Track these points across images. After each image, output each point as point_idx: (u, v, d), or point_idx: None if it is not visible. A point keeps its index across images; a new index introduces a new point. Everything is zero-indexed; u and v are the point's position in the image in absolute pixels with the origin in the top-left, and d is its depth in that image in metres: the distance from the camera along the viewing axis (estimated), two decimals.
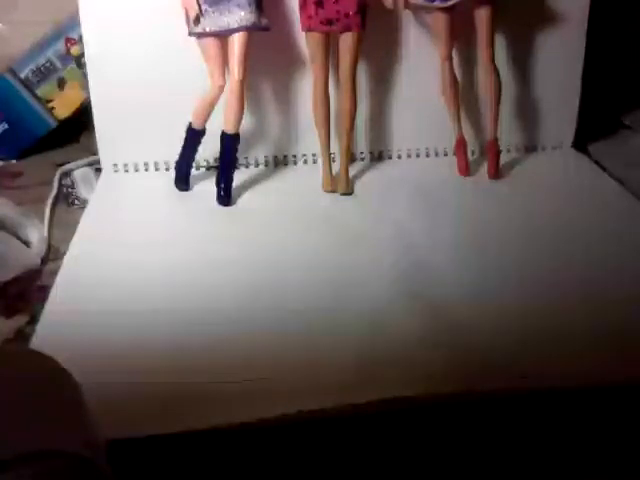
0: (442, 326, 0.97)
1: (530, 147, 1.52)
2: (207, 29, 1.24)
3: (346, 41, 1.30)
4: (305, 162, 1.46)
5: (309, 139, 1.40)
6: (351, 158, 1.42)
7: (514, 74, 1.46)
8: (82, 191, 1.38)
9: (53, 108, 1.52)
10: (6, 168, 1.49)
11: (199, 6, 1.23)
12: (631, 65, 1.62)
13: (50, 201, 1.33)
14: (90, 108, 1.39)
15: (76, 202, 1.35)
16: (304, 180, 1.40)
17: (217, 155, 1.33)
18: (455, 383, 0.86)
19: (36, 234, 1.20)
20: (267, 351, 0.92)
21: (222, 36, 1.25)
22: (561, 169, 1.47)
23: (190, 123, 1.32)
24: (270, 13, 1.29)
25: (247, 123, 1.36)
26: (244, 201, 1.33)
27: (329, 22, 1.29)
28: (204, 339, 0.94)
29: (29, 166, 1.49)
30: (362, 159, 1.48)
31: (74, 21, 1.40)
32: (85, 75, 1.40)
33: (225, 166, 1.32)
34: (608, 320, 0.98)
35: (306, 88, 1.37)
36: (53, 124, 1.53)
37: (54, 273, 1.10)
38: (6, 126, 1.51)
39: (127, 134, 1.39)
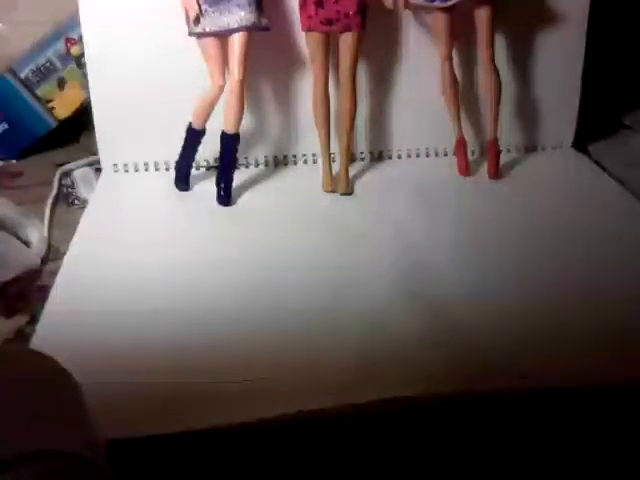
0: (442, 326, 0.97)
1: (530, 147, 1.52)
2: (207, 29, 1.24)
3: (346, 41, 1.30)
4: (305, 162, 1.46)
5: (309, 139, 1.40)
6: (351, 158, 1.42)
7: (514, 74, 1.46)
8: (82, 191, 1.38)
9: (53, 108, 1.52)
10: (6, 168, 1.49)
11: (199, 6, 1.23)
12: (631, 65, 1.62)
13: (50, 201, 1.33)
14: (90, 108, 1.39)
15: (76, 202, 1.35)
16: (304, 180, 1.40)
17: (217, 155, 1.33)
18: (455, 383, 0.86)
19: (36, 234, 1.20)
20: (267, 351, 0.92)
21: (222, 36, 1.25)
22: (561, 169, 1.47)
23: (190, 123, 1.32)
24: (270, 13, 1.29)
25: (247, 123, 1.36)
26: (244, 201, 1.33)
27: (329, 22, 1.29)
28: (204, 339, 0.94)
29: (29, 166, 1.49)
30: (362, 159, 1.48)
31: (74, 21, 1.40)
32: (85, 75, 1.40)
33: (225, 166, 1.32)
34: (608, 320, 0.98)
35: (306, 88, 1.37)
36: (53, 124, 1.53)
37: (54, 273, 1.10)
38: (6, 126, 1.51)
39: (127, 134, 1.39)
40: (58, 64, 1.51)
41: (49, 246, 1.20)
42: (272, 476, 0.81)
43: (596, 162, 1.46)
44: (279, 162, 1.46)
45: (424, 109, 1.43)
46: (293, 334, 0.96)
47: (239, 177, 1.35)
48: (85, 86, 1.42)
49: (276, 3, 1.33)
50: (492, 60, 1.37)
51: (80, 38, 1.39)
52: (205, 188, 1.35)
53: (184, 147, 1.34)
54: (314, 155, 1.44)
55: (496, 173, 1.40)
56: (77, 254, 1.15)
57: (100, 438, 0.57)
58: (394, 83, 1.43)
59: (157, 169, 1.43)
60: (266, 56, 1.33)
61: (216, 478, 0.81)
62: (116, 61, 1.35)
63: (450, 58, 1.37)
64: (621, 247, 1.16)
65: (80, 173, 1.43)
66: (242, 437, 0.80)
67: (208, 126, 1.31)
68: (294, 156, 1.46)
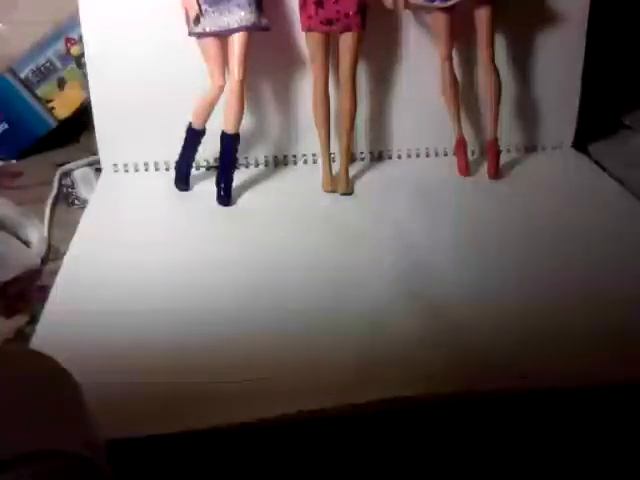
0: (442, 326, 0.97)
1: (530, 147, 1.52)
2: (207, 29, 1.24)
3: (346, 41, 1.30)
4: (305, 162, 1.46)
5: (309, 139, 1.40)
6: (351, 158, 1.42)
7: (514, 74, 1.46)
8: (82, 191, 1.38)
9: (53, 108, 1.52)
10: (6, 168, 1.49)
11: (199, 6, 1.23)
12: (631, 65, 1.62)
13: (50, 201, 1.33)
14: (90, 108, 1.39)
15: (76, 202, 1.35)
16: (304, 180, 1.40)
17: (217, 155, 1.33)
18: (455, 383, 0.86)
19: (36, 234, 1.20)
20: (267, 351, 0.92)
21: (222, 36, 1.25)
22: (561, 169, 1.47)
23: (190, 123, 1.32)
24: (270, 13, 1.29)
25: (247, 123, 1.36)
26: (244, 201, 1.33)
27: (329, 22, 1.29)
28: (204, 339, 0.94)
29: (29, 166, 1.49)
30: (362, 159, 1.48)
31: (74, 21, 1.40)
32: (85, 75, 1.40)
33: (225, 166, 1.32)
34: (608, 320, 0.98)
35: (306, 88, 1.37)
36: (53, 124, 1.53)
37: (54, 273, 1.10)
38: (6, 126, 1.51)
39: (127, 134, 1.39)
40: (58, 64, 1.51)
41: (49, 246, 1.20)
42: (272, 476, 0.81)
43: (596, 162, 1.46)
44: (279, 162, 1.46)
45: (424, 109, 1.43)
46: (293, 334, 0.96)
47: (239, 177, 1.35)
48: (85, 86, 1.42)
49: (276, 3, 1.33)
50: (492, 60, 1.37)
51: (80, 38, 1.39)
52: (205, 188, 1.35)
53: (184, 147, 1.34)
54: (314, 155, 1.44)
55: (496, 173, 1.40)
56: (77, 254, 1.15)
57: (100, 438, 0.57)
58: (394, 83, 1.43)
59: (157, 169, 1.43)
60: (266, 56, 1.33)
61: (216, 478, 0.81)
62: (116, 61, 1.35)
63: (450, 58, 1.37)
64: (621, 247, 1.16)
65: (80, 173, 1.43)
66: (242, 437, 0.80)
67: (208, 126, 1.31)
68: (294, 156, 1.46)
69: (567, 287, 1.06)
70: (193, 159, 1.37)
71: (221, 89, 1.27)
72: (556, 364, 0.89)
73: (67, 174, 1.43)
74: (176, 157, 1.36)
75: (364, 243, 1.17)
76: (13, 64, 1.49)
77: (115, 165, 1.42)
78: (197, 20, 1.24)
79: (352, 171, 1.39)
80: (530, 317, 0.98)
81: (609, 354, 0.91)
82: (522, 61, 1.46)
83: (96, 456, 0.54)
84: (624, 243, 1.17)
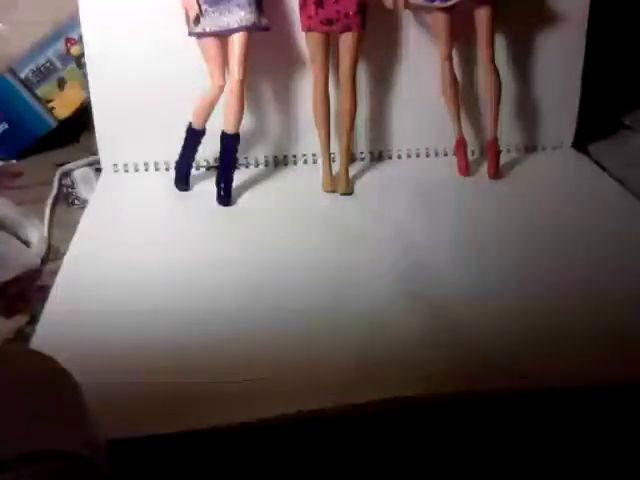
0: (442, 326, 0.97)
1: (530, 147, 1.52)
2: (207, 29, 1.24)
3: (346, 41, 1.30)
4: (305, 162, 1.46)
5: (309, 139, 1.40)
6: (351, 158, 1.42)
7: (514, 74, 1.46)
8: (82, 191, 1.38)
9: (53, 108, 1.52)
10: (6, 168, 1.49)
11: (199, 6, 1.23)
12: (631, 65, 1.62)
13: (50, 201, 1.33)
14: (90, 108, 1.39)
15: (76, 202, 1.35)
16: (304, 180, 1.40)
17: (217, 155, 1.33)
18: (455, 383, 0.86)
19: (36, 234, 1.20)
20: (267, 351, 0.92)
21: (222, 36, 1.25)
22: (561, 169, 1.47)
23: (190, 123, 1.32)
24: (270, 13, 1.29)
25: (247, 123, 1.36)
26: (244, 201, 1.33)
27: (329, 22, 1.29)
28: (204, 339, 0.94)
29: (29, 166, 1.49)
30: (362, 159, 1.48)
31: (74, 21, 1.40)
32: (85, 75, 1.40)
33: (225, 166, 1.32)
34: (608, 320, 0.98)
35: (306, 88, 1.37)
36: (53, 124, 1.53)
37: (54, 273, 1.10)
38: (6, 126, 1.51)
39: (127, 134, 1.39)
40: (58, 64, 1.51)
41: (49, 246, 1.20)
42: (272, 476, 0.81)
43: (596, 162, 1.46)
44: (279, 162, 1.46)
45: (424, 109, 1.43)
46: (293, 334, 0.96)
47: (239, 177, 1.35)
48: (85, 86, 1.42)
49: (276, 3, 1.33)
50: (492, 60, 1.37)
51: (80, 38, 1.39)
52: (205, 188, 1.35)
53: (184, 147, 1.34)
54: (314, 155, 1.44)
55: (496, 173, 1.40)
56: (77, 254, 1.15)
57: (100, 438, 0.57)
58: (394, 83, 1.43)
59: (157, 169, 1.43)
60: (266, 56, 1.33)
61: (216, 478, 0.81)
62: (116, 61, 1.35)
63: (450, 58, 1.37)
64: (621, 247, 1.16)
65: (80, 173, 1.43)
66: (242, 437, 0.80)
67: (208, 126, 1.31)
68: (294, 156, 1.46)
69: (567, 287, 1.06)
70: (193, 159, 1.37)
71: (221, 89, 1.27)
72: (556, 364, 0.89)
73: (67, 174, 1.43)
74: (176, 157, 1.36)
75: (364, 243, 1.17)
76: (13, 64, 1.49)
77: (115, 165, 1.42)
78: (197, 20, 1.24)
79: (352, 171, 1.39)
80: (530, 317, 0.98)
81: (609, 354, 0.91)
82: (522, 61, 1.46)
83: (96, 456, 0.54)
84: (624, 243, 1.17)
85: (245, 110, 1.29)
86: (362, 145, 1.47)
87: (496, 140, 1.41)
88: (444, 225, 1.23)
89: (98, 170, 1.43)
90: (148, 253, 1.14)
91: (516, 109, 1.48)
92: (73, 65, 1.51)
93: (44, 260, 1.16)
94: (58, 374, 0.58)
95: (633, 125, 1.57)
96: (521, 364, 0.89)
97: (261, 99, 1.41)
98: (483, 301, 1.02)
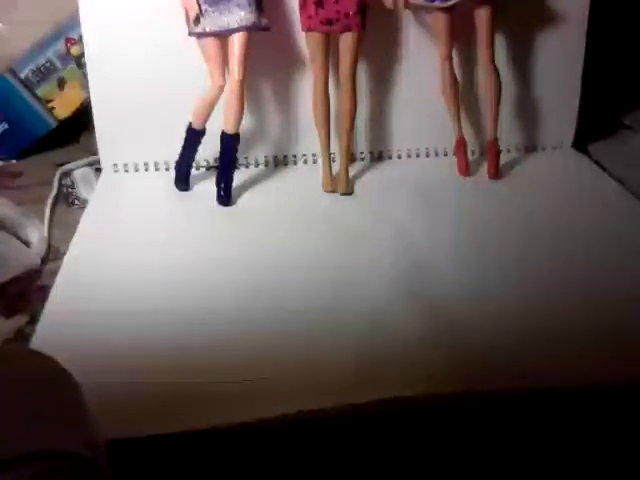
0: (442, 326, 0.97)
1: (530, 147, 1.52)
2: (207, 29, 1.24)
3: (346, 41, 1.30)
4: (305, 162, 1.46)
5: (309, 139, 1.40)
6: (351, 158, 1.42)
7: (514, 74, 1.46)
8: (82, 191, 1.38)
9: (53, 108, 1.52)
10: (6, 168, 1.49)
11: (199, 6, 1.23)
12: (631, 65, 1.62)
13: (50, 201, 1.33)
14: (90, 108, 1.39)
15: (76, 202, 1.35)
16: (304, 180, 1.40)
17: (217, 155, 1.33)
18: (455, 383, 0.86)
19: (36, 234, 1.20)
20: (267, 351, 0.92)
21: (222, 36, 1.25)
22: (561, 169, 1.47)
23: (190, 123, 1.32)
24: (270, 13, 1.29)
25: (247, 123, 1.36)
26: (244, 201, 1.33)
27: (329, 22, 1.29)
28: (204, 339, 0.94)
29: (29, 166, 1.49)
30: (362, 159, 1.48)
31: (74, 21, 1.40)
32: (85, 75, 1.40)
33: (225, 166, 1.32)
34: (608, 320, 0.98)
35: (306, 88, 1.37)
36: (53, 124, 1.53)
37: (54, 273, 1.10)
38: (6, 126, 1.51)
39: (127, 134, 1.39)
40: (58, 64, 1.51)
41: (49, 246, 1.20)
42: (272, 476, 0.81)
43: (596, 162, 1.46)
44: (279, 162, 1.46)
45: (424, 109, 1.43)
46: (293, 334, 0.96)
47: (239, 177, 1.35)
48: (85, 86, 1.42)
49: (276, 3, 1.33)
50: (492, 60, 1.37)
51: (80, 38, 1.39)
52: (205, 188, 1.35)
53: (184, 147, 1.34)
54: (314, 155, 1.44)
55: (496, 173, 1.40)
56: (77, 254, 1.15)
57: (100, 438, 0.57)
58: (394, 83, 1.43)
59: (157, 169, 1.43)
60: (266, 56, 1.33)
61: (216, 478, 0.81)
62: (116, 61, 1.35)
63: (450, 58, 1.37)
64: (621, 247, 1.16)
65: (80, 173, 1.43)
66: (242, 437, 0.80)
67: (208, 126, 1.31)
68: (294, 156, 1.46)
69: (567, 287, 1.06)
70: (193, 159, 1.37)
71: (221, 89, 1.27)
72: (556, 364, 0.89)
73: (67, 174, 1.43)
74: (176, 157, 1.36)
75: (364, 243, 1.17)
76: (13, 64, 1.49)
77: (115, 165, 1.42)
78: (197, 20, 1.24)
79: (352, 171, 1.39)
80: (530, 317, 0.98)
81: (609, 354, 0.91)
82: (522, 61, 1.46)
83: (96, 456, 0.54)
84: (624, 243, 1.17)
85: (245, 110, 1.29)
86: (362, 145, 1.47)
87: (496, 140, 1.41)
88: (444, 225, 1.23)
89: (98, 170, 1.43)
90: (148, 253, 1.14)
91: (516, 109, 1.48)
92: (73, 65, 1.51)
93: (44, 260, 1.15)
94: (58, 374, 0.58)
95: (633, 125, 1.57)
96: (521, 364, 0.89)
97: (261, 99, 1.41)
98: (483, 301, 1.02)
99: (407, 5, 1.34)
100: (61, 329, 0.97)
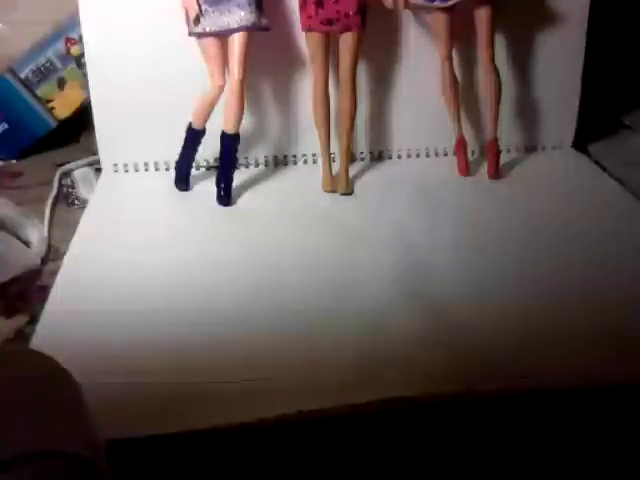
0: (442, 326, 0.97)
1: (530, 147, 1.52)
2: (207, 29, 1.24)
3: (346, 41, 1.30)
4: (305, 162, 1.46)
5: (309, 139, 1.40)
6: (351, 158, 1.42)
7: (514, 74, 1.46)
8: (82, 191, 1.38)
9: (53, 108, 1.52)
10: (6, 168, 1.49)
11: (199, 6, 1.23)
12: (631, 65, 1.62)
13: (50, 201, 1.33)
14: (90, 108, 1.39)
15: (76, 202, 1.35)
16: (304, 180, 1.40)
17: (217, 155, 1.33)
18: (455, 383, 0.86)
19: (36, 234, 1.20)
20: (267, 351, 0.92)
21: (222, 36, 1.25)
22: (561, 169, 1.47)
23: (190, 123, 1.32)
24: (270, 13, 1.29)
25: (247, 123, 1.36)
26: (244, 201, 1.33)
27: (329, 22, 1.29)
28: (204, 339, 0.94)
29: (29, 166, 1.49)
30: (362, 159, 1.48)
31: (74, 21, 1.40)
32: (85, 75, 1.40)
33: (225, 166, 1.32)
34: (608, 320, 0.98)
35: (306, 88, 1.37)
36: (53, 124, 1.53)
37: (54, 273, 1.10)
38: (6, 126, 1.51)
39: (127, 134, 1.39)
40: (58, 64, 1.51)
41: (49, 246, 1.20)
42: (272, 476, 0.81)
43: (596, 162, 1.46)
44: (279, 162, 1.46)
45: (424, 109, 1.43)
46: (293, 334, 0.96)
47: (239, 177, 1.35)
48: (85, 86, 1.42)
49: (276, 3, 1.33)
50: (492, 60, 1.37)
51: (80, 38, 1.39)
52: (205, 188, 1.35)
53: (184, 147, 1.34)
54: (314, 155, 1.44)
55: (496, 173, 1.40)
56: (77, 254, 1.15)
57: (100, 438, 0.57)
58: (394, 83, 1.43)
59: (157, 169, 1.43)
60: (266, 56, 1.33)
61: (216, 478, 0.81)
62: (116, 61, 1.35)
63: (450, 58, 1.37)
64: (621, 247, 1.16)
65: (80, 173, 1.43)
66: (242, 437, 0.80)
67: (208, 126, 1.31)
68: (294, 156, 1.46)
69: (567, 287, 1.06)
70: (193, 159, 1.37)
71: (221, 89, 1.27)
72: (556, 364, 0.89)
73: (67, 174, 1.43)
74: (176, 157, 1.36)
75: (364, 243, 1.17)
76: (13, 64, 1.49)
77: (115, 165, 1.42)
78: (197, 20, 1.24)
79: (352, 171, 1.39)
80: (530, 317, 0.98)
81: (609, 354, 0.91)
82: (522, 61, 1.46)
83: (96, 456, 0.54)
84: (624, 243, 1.17)
85: (245, 110, 1.29)
86: (362, 145, 1.47)
87: (496, 140, 1.41)
88: (444, 225, 1.23)
89: (98, 170, 1.43)
90: (148, 253, 1.14)
91: (516, 109, 1.48)
92: (73, 65, 1.51)
93: (44, 260, 1.16)
94: (58, 374, 0.58)
95: (633, 125, 1.57)
96: (521, 364, 0.89)
97: (261, 99, 1.41)
98: (483, 301, 1.02)
99: (407, 5, 1.34)
100: (61, 329, 0.97)
